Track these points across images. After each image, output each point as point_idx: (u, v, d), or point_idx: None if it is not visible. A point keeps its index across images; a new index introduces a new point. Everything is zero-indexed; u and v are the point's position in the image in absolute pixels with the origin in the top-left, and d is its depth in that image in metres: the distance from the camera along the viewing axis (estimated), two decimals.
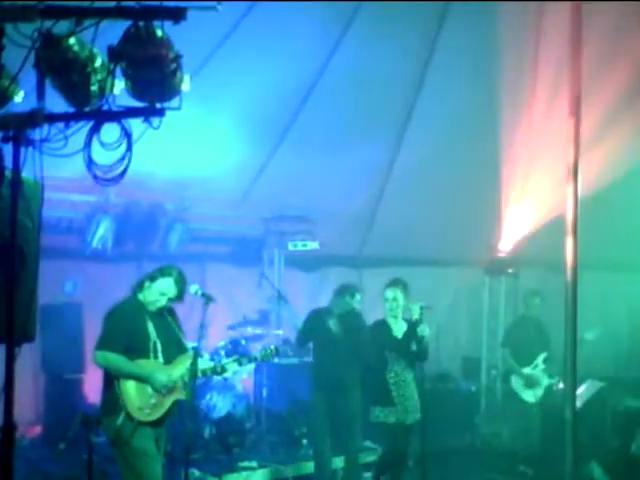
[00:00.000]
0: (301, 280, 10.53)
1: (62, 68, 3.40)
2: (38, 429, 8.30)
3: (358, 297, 7.33)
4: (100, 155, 3.49)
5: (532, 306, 8.70)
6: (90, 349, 5.31)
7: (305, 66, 8.04)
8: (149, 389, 5.17)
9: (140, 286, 5.35)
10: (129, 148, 3.47)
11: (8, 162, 3.32)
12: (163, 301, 5.33)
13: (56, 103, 3.48)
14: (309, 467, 7.75)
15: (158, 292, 5.30)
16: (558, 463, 6.97)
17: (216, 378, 6.98)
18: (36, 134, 3.36)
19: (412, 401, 6.65)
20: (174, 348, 5.37)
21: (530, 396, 8.41)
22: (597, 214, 7.11)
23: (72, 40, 3.35)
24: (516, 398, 8.51)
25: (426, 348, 6.67)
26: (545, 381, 8.41)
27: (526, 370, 8.41)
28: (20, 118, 3.33)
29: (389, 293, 6.76)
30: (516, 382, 8.47)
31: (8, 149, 3.31)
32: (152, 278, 5.32)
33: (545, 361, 8.41)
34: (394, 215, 9.89)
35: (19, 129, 3.30)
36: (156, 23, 3.36)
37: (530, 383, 8.39)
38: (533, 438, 8.46)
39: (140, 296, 5.35)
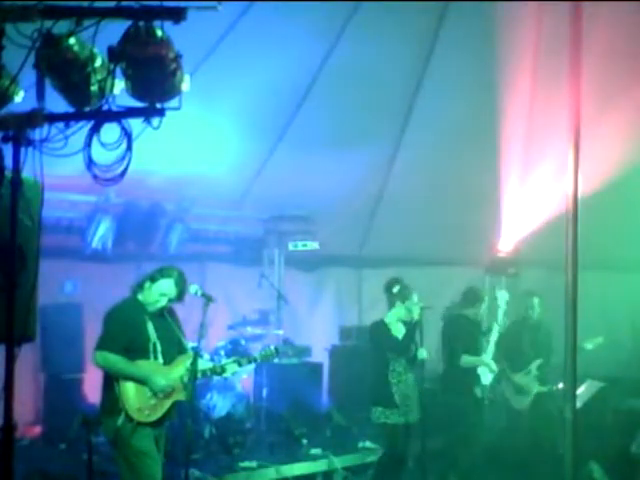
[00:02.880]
0: (301, 280, 10.54)
1: (62, 68, 3.40)
2: (38, 429, 8.29)
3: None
4: (100, 155, 3.49)
5: (530, 307, 8.55)
6: (90, 349, 5.31)
7: (304, 65, 8.04)
8: (148, 390, 5.16)
9: (140, 287, 5.35)
10: (129, 148, 3.47)
11: (8, 162, 3.31)
12: (163, 302, 5.32)
13: (56, 103, 3.48)
14: (309, 467, 7.77)
15: (158, 293, 5.30)
16: (543, 471, 6.99)
17: (216, 378, 6.98)
18: (36, 134, 3.36)
19: (413, 400, 6.66)
20: (174, 349, 5.37)
21: (518, 403, 8.27)
22: (598, 214, 7.11)
23: (72, 40, 3.35)
24: (505, 404, 8.38)
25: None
26: (535, 388, 8.24)
27: (517, 377, 8.28)
28: (20, 118, 3.33)
29: (417, 297, 6.75)
30: (507, 388, 8.31)
31: (8, 149, 3.31)
32: (152, 279, 5.31)
33: (539, 368, 8.25)
34: (394, 215, 9.89)
35: (19, 129, 3.30)
36: (156, 23, 3.36)
37: (520, 390, 8.25)
38: (520, 445, 8.36)
39: (140, 297, 5.34)
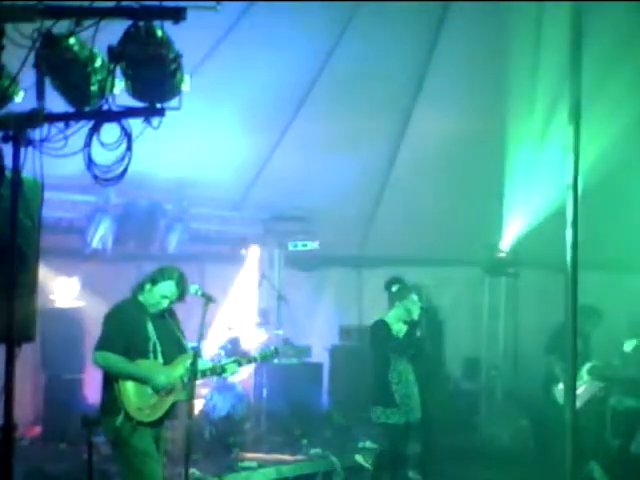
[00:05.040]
0: (301, 280, 10.53)
1: (62, 68, 3.40)
2: (38, 429, 8.30)
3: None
4: (100, 155, 3.49)
5: (589, 320, 8.25)
6: (90, 349, 5.30)
7: (305, 65, 8.04)
8: (148, 390, 5.16)
9: (141, 288, 5.34)
10: (129, 148, 3.47)
11: (8, 162, 3.31)
12: (165, 304, 5.32)
13: (56, 103, 3.48)
14: (309, 467, 7.78)
15: (160, 295, 5.29)
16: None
17: (216, 378, 6.98)
18: (36, 134, 3.36)
19: (414, 400, 6.65)
20: (174, 349, 5.36)
21: None
22: (598, 214, 7.11)
23: (72, 40, 3.35)
24: (556, 407, 8.16)
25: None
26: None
27: None
28: (20, 118, 3.33)
29: (416, 297, 6.74)
30: (559, 391, 7.86)
31: (8, 149, 3.31)
32: (153, 281, 5.29)
33: (589, 372, 8.13)
34: (394, 215, 9.89)
35: (19, 129, 3.30)
36: (156, 23, 3.37)
37: None
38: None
39: (140, 297, 5.33)
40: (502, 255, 10.00)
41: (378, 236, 10.36)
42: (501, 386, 10.47)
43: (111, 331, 5.20)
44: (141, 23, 3.35)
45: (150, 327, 5.26)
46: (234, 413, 8.09)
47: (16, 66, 3.42)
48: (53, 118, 3.42)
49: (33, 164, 3.32)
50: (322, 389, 9.65)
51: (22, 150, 3.30)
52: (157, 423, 5.21)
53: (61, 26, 3.34)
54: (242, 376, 8.36)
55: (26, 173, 3.35)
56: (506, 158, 8.86)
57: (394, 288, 6.79)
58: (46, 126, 3.39)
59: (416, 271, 8.99)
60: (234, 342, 8.45)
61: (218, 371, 5.56)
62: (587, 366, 8.10)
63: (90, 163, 3.48)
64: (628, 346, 7.93)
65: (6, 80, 3.47)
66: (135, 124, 3.52)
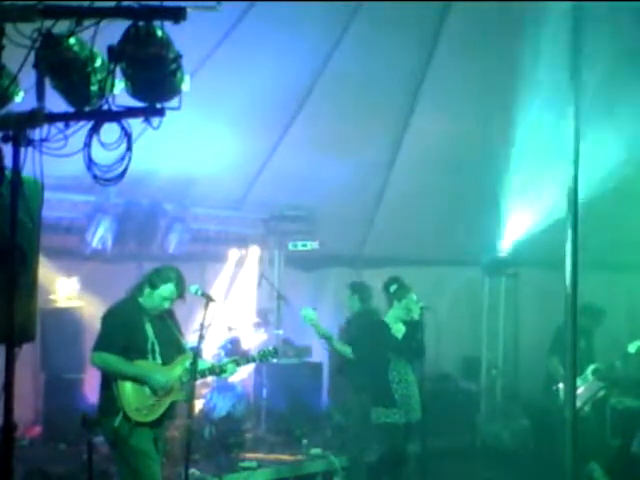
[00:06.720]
0: (301, 280, 10.54)
1: (62, 68, 3.40)
2: (38, 429, 8.30)
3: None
4: (100, 155, 3.48)
5: (593, 319, 8.14)
6: (90, 349, 5.30)
7: (305, 65, 8.04)
8: (147, 390, 5.16)
9: (140, 290, 5.33)
10: (129, 148, 3.46)
11: (8, 162, 3.31)
12: (166, 305, 5.33)
13: (56, 103, 3.48)
14: (309, 467, 7.78)
15: (161, 298, 5.29)
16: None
17: (216, 378, 6.98)
18: (36, 134, 3.36)
19: (414, 400, 6.65)
20: (172, 349, 5.37)
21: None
22: (598, 214, 7.11)
23: (72, 40, 3.35)
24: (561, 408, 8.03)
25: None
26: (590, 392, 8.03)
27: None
28: (20, 118, 3.33)
29: (416, 296, 6.74)
30: (562, 391, 7.59)
31: (8, 149, 3.30)
32: (152, 285, 5.27)
33: (593, 373, 8.13)
34: (394, 215, 9.89)
35: (19, 129, 3.30)
36: (156, 23, 3.36)
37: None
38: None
39: (140, 299, 5.33)
40: (502, 255, 10.00)
41: (378, 236, 10.36)
42: (501, 386, 10.47)
43: (109, 331, 5.20)
44: (141, 23, 3.34)
45: (149, 327, 5.27)
46: (234, 413, 8.09)
47: (16, 66, 3.42)
48: (53, 118, 3.41)
49: (33, 164, 3.31)
50: (322, 389, 9.65)
51: (22, 150, 3.29)
52: (156, 423, 5.21)
53: (61, 26, 3.34)
54: (242, 376, 8.37)
55: (26, 173, 3.34)
56: (506, 158, 8.85)
57: (392, 288, 6.80)
58: (46, 126, 3.39)
59: (416, 271, 8.99)
60: (234, 342, 8.45)
61: (217, 371, 5.57)
62: (591, 368, 8.09)
63: (90, 163, 3.47)
64: (632, 347, 7.92)
65: (6, 80, 3.47)
66: (135, 124, 3.51)
